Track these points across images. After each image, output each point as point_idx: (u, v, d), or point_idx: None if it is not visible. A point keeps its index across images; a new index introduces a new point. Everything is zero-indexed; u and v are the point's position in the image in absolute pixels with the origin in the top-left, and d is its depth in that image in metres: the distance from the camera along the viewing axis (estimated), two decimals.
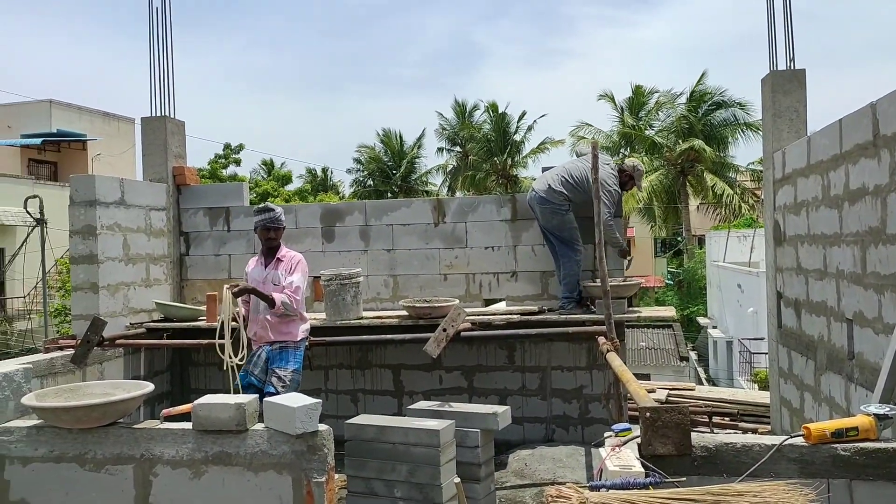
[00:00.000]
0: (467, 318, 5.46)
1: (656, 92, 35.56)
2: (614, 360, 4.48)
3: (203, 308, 6.64)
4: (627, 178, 6.23)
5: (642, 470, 2.21)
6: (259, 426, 3.06)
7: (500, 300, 6.70)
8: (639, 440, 2.68)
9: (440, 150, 41.46)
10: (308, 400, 3.00)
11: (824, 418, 4.97)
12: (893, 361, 3.00)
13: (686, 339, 27.07)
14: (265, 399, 3.09)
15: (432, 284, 6.83)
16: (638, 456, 2.47)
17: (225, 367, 4.96)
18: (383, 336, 5.96)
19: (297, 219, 7.10)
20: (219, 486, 3.03)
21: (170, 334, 6.81)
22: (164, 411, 3.23)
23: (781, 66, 6.15)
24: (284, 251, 5.29)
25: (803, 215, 5.31)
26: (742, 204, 31.16)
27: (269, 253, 5.28)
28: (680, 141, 32.34)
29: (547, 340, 6.53)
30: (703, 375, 23.04)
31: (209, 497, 3.04)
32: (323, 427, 2.99)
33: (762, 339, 17.36)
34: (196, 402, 3.08)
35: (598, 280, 6.32)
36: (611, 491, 2.10)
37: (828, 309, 4.80)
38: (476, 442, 4.96)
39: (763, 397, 7.56)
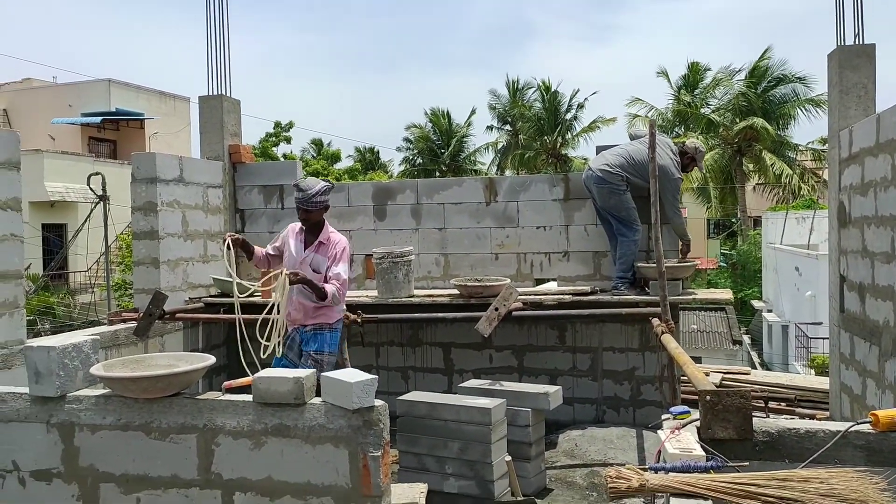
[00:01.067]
0: (519, 297, 5.44)
1: (708, 70, 34.68)
2: (669, 342, 4.41)
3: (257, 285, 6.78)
4: (689, 161, 6.10)
5: (703, 453, 2.18)
6: (316, 400, 3.11)
7: (552, 280, 6.66)
8: (698, 423, 2.64)
9: (490, 128, 41.26)
10: (364, 376, 3.03)
11: (888, 405, 4.82)
12: None
13: (739, 323, 26.55)
14: (323, 374, 3.13)
15: (483, 263, 6.82)
16: (697, 440, 2.43)
17: (264, 352, 4.79)
18: (434, 314, 5.99)
19: (350, 197, 7.16)
20: (278, 457, 3.10)
21: (226, 309, 6.96)
22: (226, 384, 3.32)
23: (849, 41, 5.91)
24: (328, 233, 4.96)
25: (870, 196, 5.13)
26: (801, 185, 30.25)
27: (312, 231, 4.98)
28: (737, 119, 31.49)
29: (599, 321, 6.47)
30: (756, 360, 22.56)
31: (268, 467, 3.11)
32: (379, 402, 3.02)
33: (820, 323, 16.93)
34: (256, 375, 3.14)
35: (652, 261, 6.25)
36: (671, 474, 2.07)
37: (895, 293, 4.64)
38: (527, 421, 4.97)
39: (821, 383, 7.37)
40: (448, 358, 6.94)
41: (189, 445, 3.21)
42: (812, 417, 6.64)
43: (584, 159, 35.44)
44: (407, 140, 42.61)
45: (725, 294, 6.14)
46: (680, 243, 6.15)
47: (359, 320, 5.71)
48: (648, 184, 6.13)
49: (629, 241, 6.07)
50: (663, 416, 2.76)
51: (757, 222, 34.18)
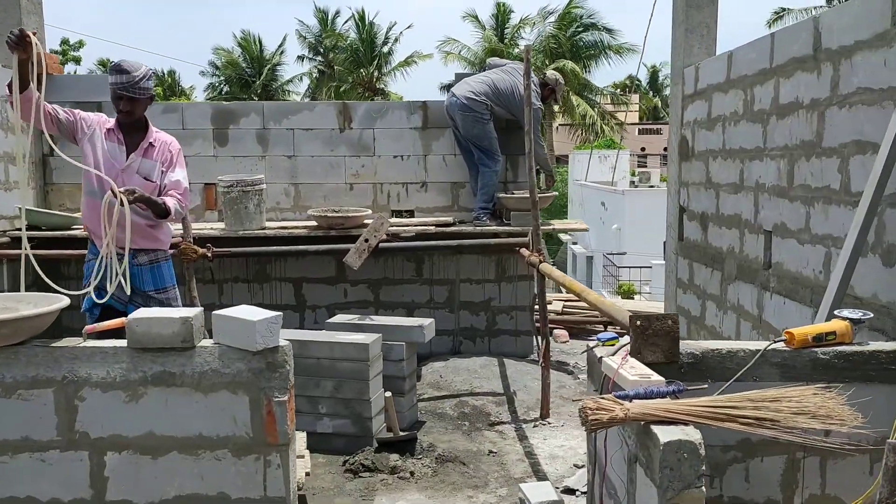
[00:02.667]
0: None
1: (512, 11, 35.67)
2: (553, 271, 4.42)
3: (76, 215, 5.94)
4: (549, 92, 6.11)
5: (661, 379, 2.14)
6: (207, 342, 2.72)
7: (410, 211, 6.47)
8: (627, 348, 2.61)
9: (301, 58, 39.56)
10: (266, 313, 2.68)
11: (730, 325, 5.24)
12: (846, 269, 3.11)
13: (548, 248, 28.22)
14: (215, 313, 2.73)
15: (337, 194, 6.47)
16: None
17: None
18: (293, 247, 5.59)
19: (185, 118, 6.42)
20: (160, 409, 2.68)
21: (35, 244, 6.04)
22: (87, 328, 2.79)
23: None
24: (155, 133, 3.86)
25: (718, 130, 5.43)
26: (603, 126, 32.30)
27: (132, 130, 3.78)
28: (547, 61, 32.72)
29: (456, 253, 6.42)
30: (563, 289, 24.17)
31: (148, 421, 2.68)
32: (284, 342, 2.70)
33: (624, 253, 18.37)
34: (131, 316, 2.67)
35: (512, 192, 6.26)
36: (637, 401, 2.00)
37: (742, 222, 4.98)
38: (401, 355, 4.82)
39: (649, 307, 7.93)
40: (299, 294, 6.57)
41: (44, 402, 2.69)
42: None
43: (401, 96, 35.33)
44: (213, 65, 39.75)
45: (580, 224, 6.32)
46: (542, 174, 6.20)
47: (209, 255, 5.18)
48: (511, 113, 6.10)
49: (491, 172, 6.01)
50: (591, 344, 2.71)
51: (561, 160, 36.22)
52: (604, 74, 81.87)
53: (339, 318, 5.11)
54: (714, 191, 5.51)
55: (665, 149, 47.70)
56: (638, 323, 2.59)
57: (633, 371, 2.18)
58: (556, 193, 6.32)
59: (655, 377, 2.15)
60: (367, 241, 4.93)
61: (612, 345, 2.67)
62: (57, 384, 2.68)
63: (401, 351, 4.81)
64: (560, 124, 36.67)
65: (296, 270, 6.53)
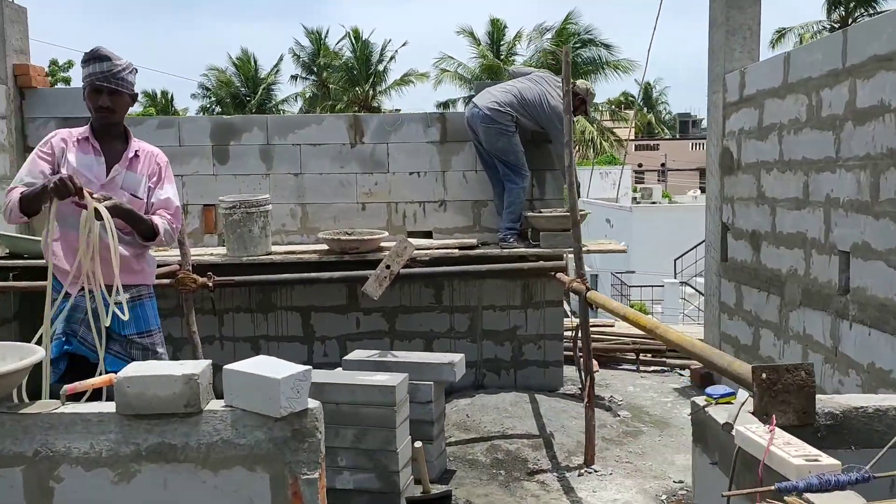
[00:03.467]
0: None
1: (506, 27, 35.37)
2: (607, 301, 3.88)
3: None
4: (580, 102, 5.59)
5: (835, 462, 1.59)
6: (217, 405, 2.16)
7: (427, 233, 5.93)
8: (750, 408, 2.07)
9: (295, 77, 39.14)
10: (293, 367, 2.12)
11: (792, 356, 4.70)
12: None
13: None
14: (226, 367, 2.17)
15: (348, 215, 5.92)
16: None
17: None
18: (306, 275, 5.03)
19: (181, 135, 5.88)
20: (158, 491, 2.12)
21: (17, 274, 5.47)
22: (67, 387, 2.23)
23: None
24: (137, 143, 3.24)
25: (772, 140, 4.92)
26: (602, 141, 31.93)
27: (109, 138, 3.15)
28: None
29: (478, 278, 5.87)
30: (567, 309, 23.60)
31: None
32: (314, 404, 2.14)
33: (633, 272, 17.85)
34: (121, 373, 2.12)
35: (540, 210, 5.73)
36: (827, 497, 1.46)
37: (808, 241, 4.45)
38: (429, 396, 4.27)
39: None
40: (307, 324, 6.01)
41: (11, 483, 2.12)
42: (686, 368, 6.58)
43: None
44: (204, 87, 39.27)
45: (617, 245, 5.78)
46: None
47: (210, 284, 4.63)
48: (538, 125, 5.59)
49: (518, 189, 5.48)
50: (699, 400, 2.16)
51: None
52: (600, 91, 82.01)
53: (357, 354, 4.55)
54: (769, 206, 4.99)
55: (663, 164, 47.45)
56: (764, 376, 2.05)
57: (795, 451, 1.63)
58: (589, 212, 5.79)
59: (826, 459, 1.61)
60: (388, 267, 4.38)
61: (729, 402, 2.13)
62: (27, 461, 2.12)
63: (428, 392, 4.25)
64: None
65: (303, 298, 5.97)
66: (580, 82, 5.76)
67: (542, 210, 5.78)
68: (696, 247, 18.25)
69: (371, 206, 5.93)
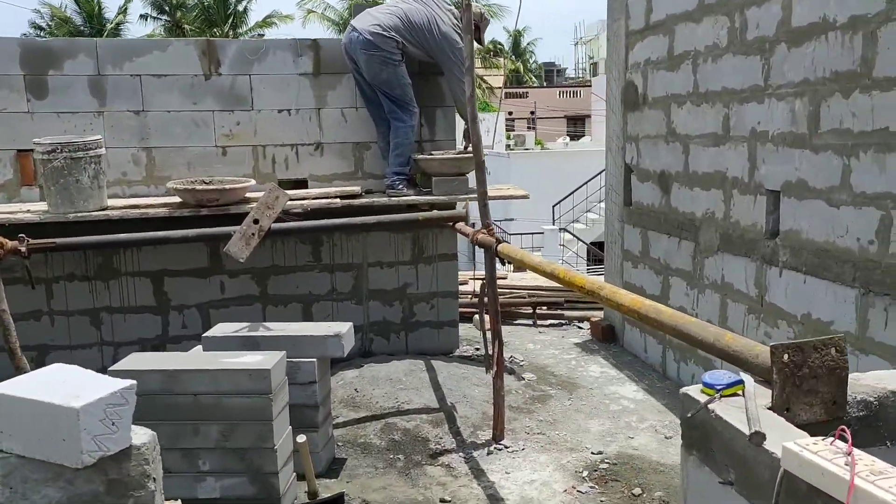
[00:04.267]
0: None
1: None
2: (525, 255, 3.28)
3: None
4: (474, 29, 4.87)
5: None
6: None
7: (302, 181, 5.11)
8: (767, 402, 1.52)
9: (144, 17, 35.82)
10: (104, 385, 1.35)
11: (706, 305, 4.35)
12: None
13: None
14: None
15: (206, 161, 4.98)
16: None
17: None
18: (153, 234, 4.11)
19: None
20: None
21: None
22: None
23: None
24: None
25: (685, 70, 4.46)
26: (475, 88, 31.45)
27: None
28: None
29: (363, 231, 5.15)
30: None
31: None
32: (142, 437, 1.39)
33: (512, 219, 17.64)
34: None
35: (431, 153, 5.06)
36: None
37: (728, 180, 4.05)
38: (312, 377, 3.56)
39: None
40: (160, 292, 5.07)
41: None
42: (585, 320, 6.20)
43: None
44: (36, 26, 35.18)
45: (519, 191, 5.21)
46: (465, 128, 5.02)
47: (22, 249, 3.64)
48: (427, 54, 4.86)
49: (405, 127, 4.77)
50: (692, 393, 1.59)
51: None
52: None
53: (221, 328, 3.74)
54: (680, 144, 4.57)
55: (532, 112, 47.96)
56: (787, 358, 1.50)
57: (890, 484, 1.08)
58: (485, 153, 5.17)
59: None
60: (256, 221, 3.57)
61: (736, 394, 1.57)
62: None
63: (311, 371, 3.53)
64: None
65: (154, 261, 5.02)
66: (475, 6, 5.06)
67: (433, 152, 5.10)
68: (572, 193, 18.26)
69: (233, 151, 5.02)
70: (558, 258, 16.32)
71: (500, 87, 27.23)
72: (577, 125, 43.44)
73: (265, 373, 3.09)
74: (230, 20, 34.42)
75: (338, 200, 4.50)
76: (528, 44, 57.43)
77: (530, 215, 17.81)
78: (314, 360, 3.53)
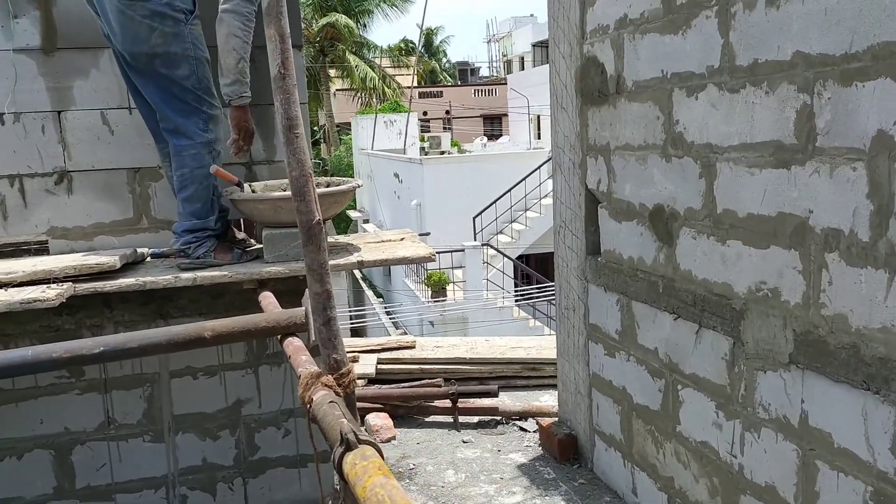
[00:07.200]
0: None
1: None
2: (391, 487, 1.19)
3: None
4: None
5: None
6: None
7: (39, 244, 2.90)
8: None
9: None
10: None
11: (770, 457, 2.39)
12: None
13: (338, 234, 24.93)
14: None
15: None
16: None
17: None
18: None
19: None
20: None
21: None
22: None
23: None
24: None
25: (707, 26, 2.50)
26: (385, 88, 29.42)
27: None
28: (317, 16, 29.04)
29: (160, 317, 2.99)
30: (358, 275, 21.00)
31: None
32: None
33: (428, 234, 15.61)
34: None
35: (268, 182, 2.97)
36: None
37: (815, 232, 2.10)
38: None
39: (512, 350, 4.99)
40: None
41: None
42: (529, 416, 4.20)
43: None
44: None
45: (423, 250, 3.06)
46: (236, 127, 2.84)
47: None
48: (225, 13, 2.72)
49: (194, 146, 2.61)
50: None
51: (343, 128, 32.88)
52: (381, 35, 79.43)
53: None
54: (696, 161, 2.60)
55: (448, 112, 46.32)
56: None
57: None
58: (358, 184, 3.04)
59: None
60: None
61: None
62: None
63: None
64: (338, 89, 33.12)
65: None
66: None
67: (268, 182, 2.98)
68: (495, 202, 16.37)
69: None
70: (481, 277, 14.40)
71: (411, 87, 25.19)
72: (493, 124, 42.06)
73: None
74: None
75: (67, 285, 2.31)
76: (440, 42, 55.97)
77: (448, 227, 15.86)
78: None
